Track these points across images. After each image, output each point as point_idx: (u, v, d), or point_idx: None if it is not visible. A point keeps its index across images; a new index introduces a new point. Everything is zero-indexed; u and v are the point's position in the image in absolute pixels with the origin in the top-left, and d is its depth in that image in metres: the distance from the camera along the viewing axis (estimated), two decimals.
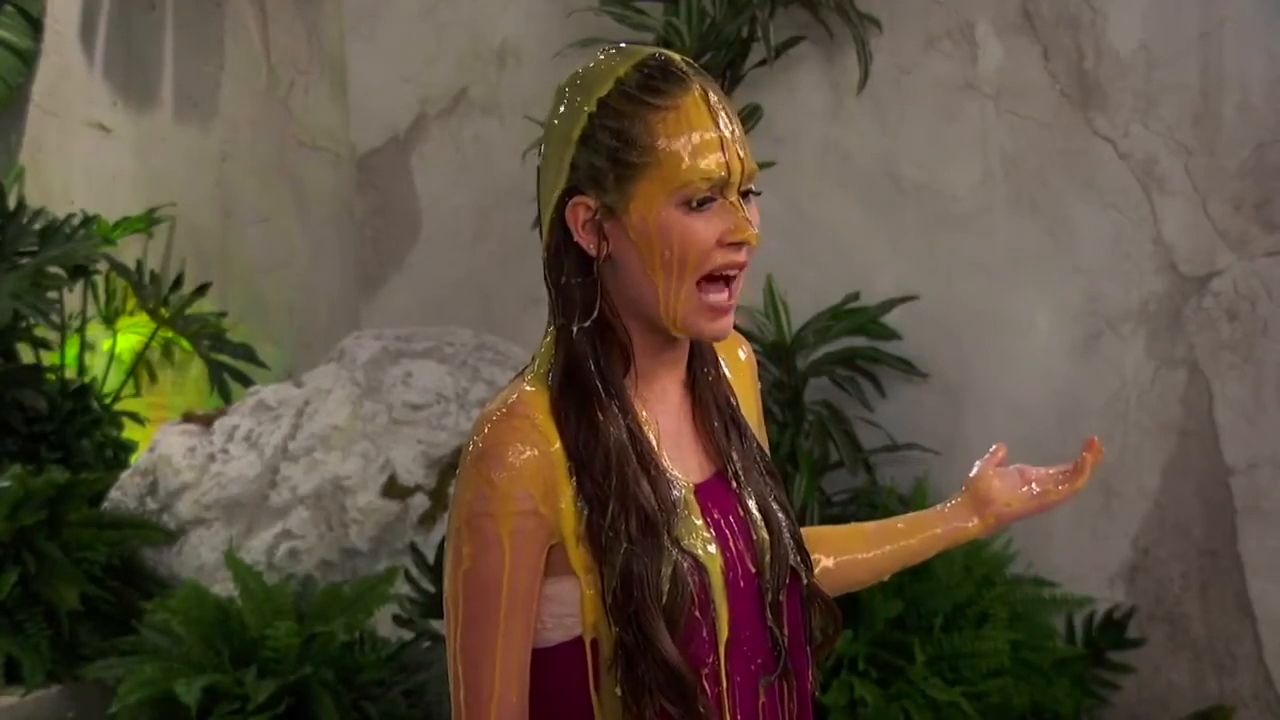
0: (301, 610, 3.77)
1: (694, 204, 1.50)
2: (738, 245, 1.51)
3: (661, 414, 1.58)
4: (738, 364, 1.69)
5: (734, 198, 1.51)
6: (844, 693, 3.44)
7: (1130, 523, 3.76)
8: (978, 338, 3.89)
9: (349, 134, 4.84)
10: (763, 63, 3.86)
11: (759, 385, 1.74)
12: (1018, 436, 3.85)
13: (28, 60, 5.53)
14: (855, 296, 3.93)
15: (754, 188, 1.55)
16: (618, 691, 1.51)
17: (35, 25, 5.52)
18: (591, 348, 1.53)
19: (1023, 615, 3.64)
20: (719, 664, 1.54)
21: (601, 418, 1.52)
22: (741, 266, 1.53)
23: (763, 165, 4.23)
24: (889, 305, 3.90)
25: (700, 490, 1.57)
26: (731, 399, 1.64)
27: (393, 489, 4.03)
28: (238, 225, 5.29)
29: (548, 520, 1.50)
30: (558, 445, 1.51)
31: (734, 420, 1.62)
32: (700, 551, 1.53)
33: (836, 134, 4.01)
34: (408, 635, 3.77)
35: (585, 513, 1.51)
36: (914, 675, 3.48)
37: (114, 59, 5.45)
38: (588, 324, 1.53)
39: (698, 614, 1.52)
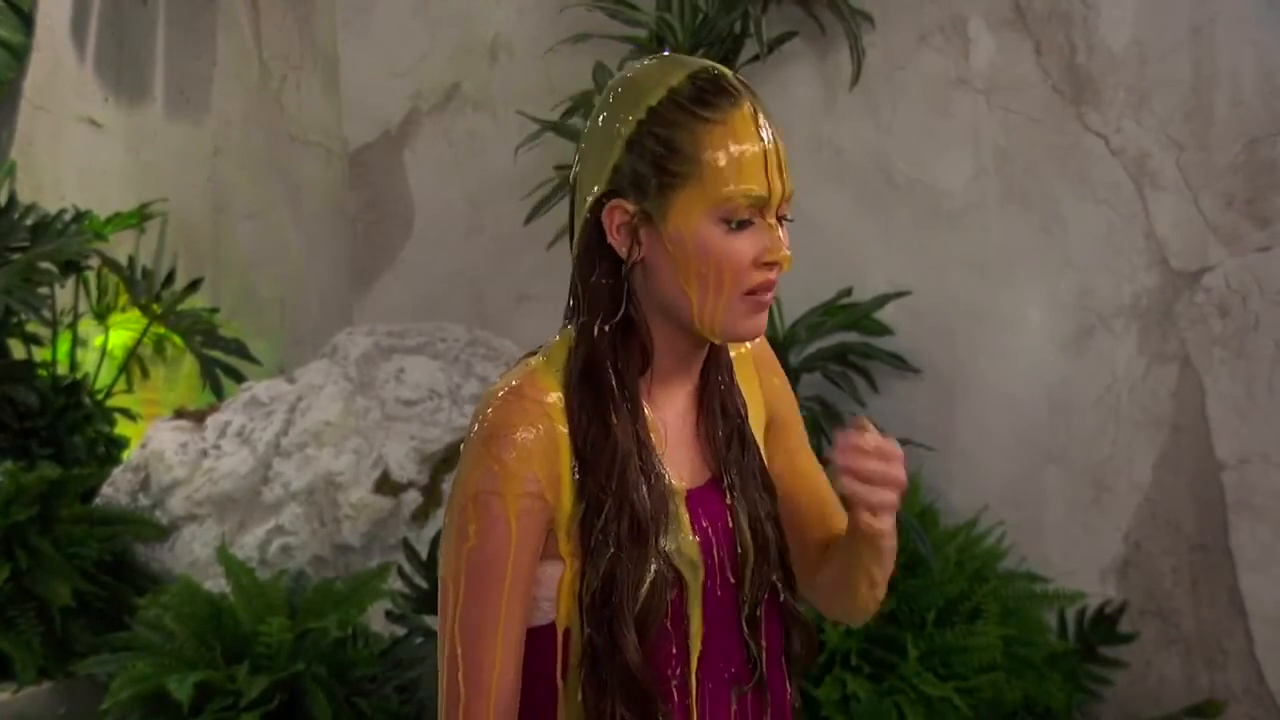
0: (294, 606, 3.76)
1: (734, 224, 1.52)
2: (771, 265, 1.54)
3: (668, 416, 1.59)
4: (740, 356, 1.69)
5: (771, 219, 1.54)
6: (836, 688, 3.44)
7: (1122, 517, 3.76)
8: (970, 333, 3.89)
9: (341, 129, 4.84)
10: (755, 58, 3.86)
11: (774, 364, 1.73)
12: (1010, 432, 3.86)
13: (19, 55, 5.53)
14: (848, 292, 3.94)
15: (788, 214, 1.57)
16: (579, 694, 1.53)
17: (27, 20, 5.51)
18: (612, 348, 1.55)
19: (1014, 610, 3.65)
20: (688, 675, 1.56)
21: (615, 420, 1.53)
22: (772, 284, 1.55)
23: None
24: (882, 301, 3.91)
25: (693, 495, 1.59)
26: (741, 409, 1.64)
27: (385, 485, 4.03)
28: (230, 221, 5.29)
29: (550, 504, 1.52)
30: (564, 431, 1.53)
31: (739, 431, 1.62)
32: (683, 562, 1.55)
33: (829, 129, 4.01)
34: (400, 631, 3.77)
35: (581, 508, 1.53)
36: (906, 670, 3.48)
37: (106, 54, 5.44)
38: (612, 324, 1.55)
39: (669, 626, 1.54)
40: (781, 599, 1.62)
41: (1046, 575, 3.74)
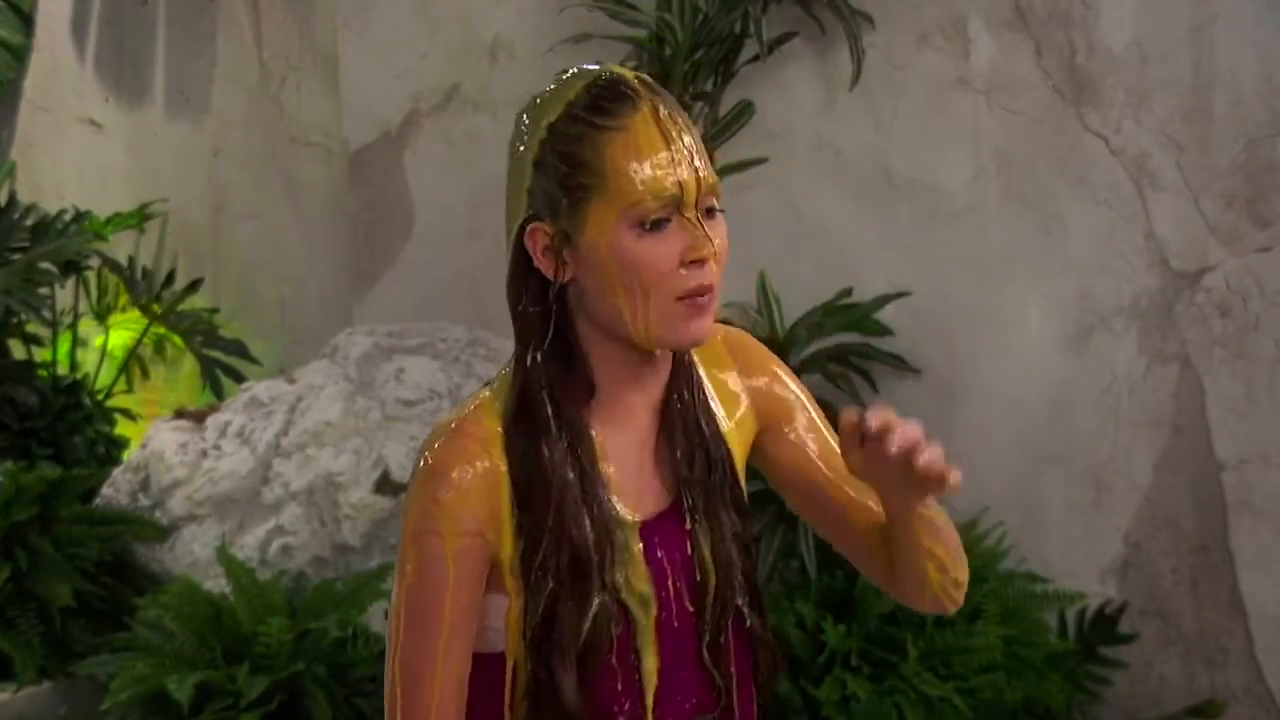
0: (294, 606, 3.76)
1: (647, 225, 1.46)
2: (699, 263, 1.48)
3: (623, 441, 1.55)
4: (717, 378, 1.63)
5: (690, 215, 1.48)
6: (836, 688, 3.44)
7: (1122, 518, 3.76)
8: (970, 334, 3.89)
9: (341, 130, 4.84)
10: (755, 58, 3.86)
11: (760, 366, 1.65)
12: (1010, 432, 3.86)
13: (19, 55, 5.52)
14: (848, 292, 3.94)
15: (718, 204, 1.50)
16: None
17: (27, 20, 5.50)
18: (547, 375, 1.51)
19: (1015, 611, 3.65)
20: (640, 709, 1.53)
21: (547, 453, 1.50)
22: (708, 288, 1.49)
23: (755, 161, 4.22)
24: (882, 301, 3.91)
25: (649, 525, 1.55)
26: (705, 426, 1.58)
27: (385, 485, 4.03)
28: (230, 221, 5.29)
29: (490, 542, 1.51)
30: (504, 467, 1.51)
31: (703, 448, 1.57)
32: (631, 598, 1.52)
33: (829, 130, 4.01)
34: None
35: (521, 545, 1.51)
36: (906, 670, 3.48)
37: (106, 54, 5.44)
38: (543, 351, 1.52)
39: (614, 662, 1.51)
40: (747, 623, 1.58)
41: (1046, 575, 3.74)
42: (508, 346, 4.70)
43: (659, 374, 1.56)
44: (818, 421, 1.66)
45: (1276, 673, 3.63)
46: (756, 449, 1.65)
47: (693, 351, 1.59)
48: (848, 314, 3.90)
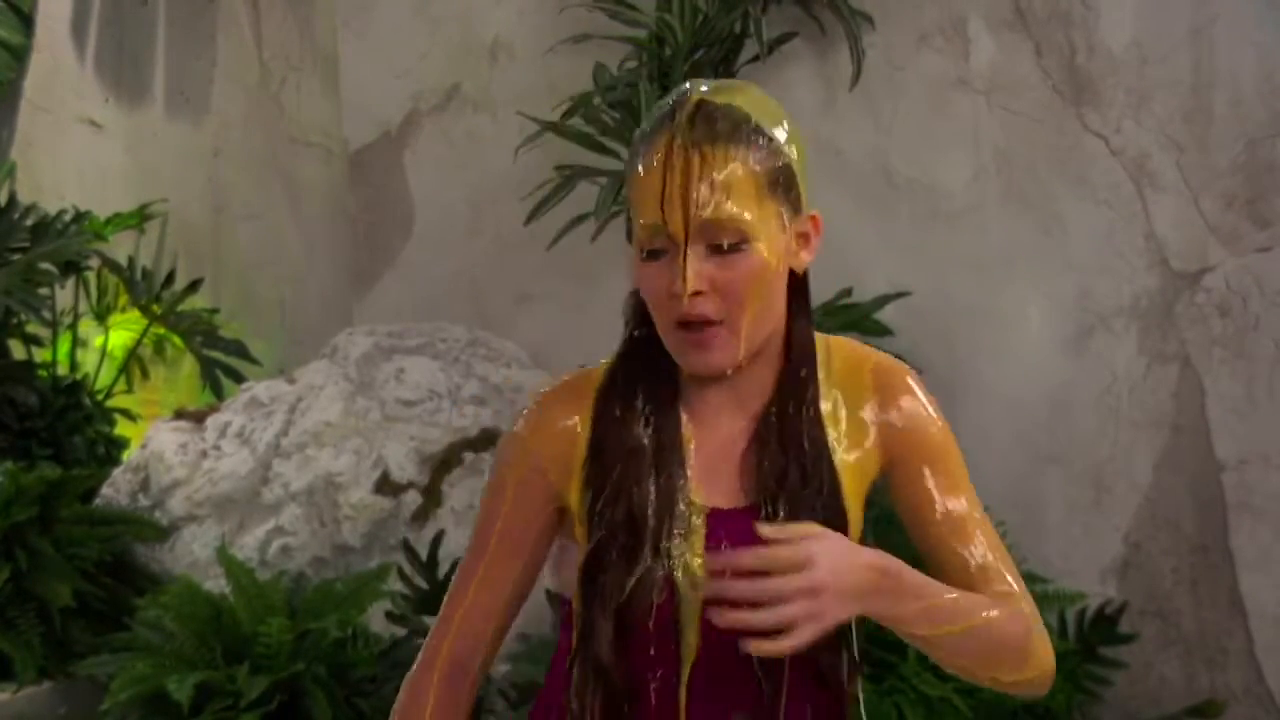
0: (294, 607, 3.76)
1: (644, 253, 1.55)
2: (678, 297, 1.52)
3: (709, 439, 1.60)
4: (868, 419, 1.62)
5: (686, 249, 1.51)
6: None
7: (1122, 518, 3.76)
8: (970, 334, 3.89)
9: (341, 130, 4.84)
10: (755, 58, 3.86)
11: (897, 405, 1.63)
12: (1010, 432, 3.86)
13: (19, 56, 5.52)
14: (848, 293, 3.94)
15: (736, 242, 1.51)
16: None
17: (27, 21, 5.51)
18: (642, 354, 1.61)
19: None
20: (675, 682, 1.57)
21: (621, 414, 1.59)
22: (693, 319, 1.53)
23: None
24: (882, 301, 3.91)
25: (718, 515, 1.57)
26: (807, 442, 1.57)
27: (385, 485, 4.03)
28: (230, 221, 5.29)
29: (554, 483, 1.61)
30: (588, 423, 1.60)
31: (799, 462, 1.57)
32: (681, 571, 1.55)
33: (829, 130, 4.01)
34: (400, 631, 3.77)
35: (588, 497, 1.58)
36: (906, 671, 3.48)
37: (106, 55, 5.45)
38: (641, 333, 1.61)
39: (651, 627, 1.55)
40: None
41: (1046, 576, 3.74)
42: (508, 346, 4.72)
43: (755, 383, 1.60)
44: (940, 477, 1.64)
45: (1276, 673, 3.63)
46: (886, 478, 1.65)
47: (834, 372, 1.61)
48: (848, 314, 3.90)
